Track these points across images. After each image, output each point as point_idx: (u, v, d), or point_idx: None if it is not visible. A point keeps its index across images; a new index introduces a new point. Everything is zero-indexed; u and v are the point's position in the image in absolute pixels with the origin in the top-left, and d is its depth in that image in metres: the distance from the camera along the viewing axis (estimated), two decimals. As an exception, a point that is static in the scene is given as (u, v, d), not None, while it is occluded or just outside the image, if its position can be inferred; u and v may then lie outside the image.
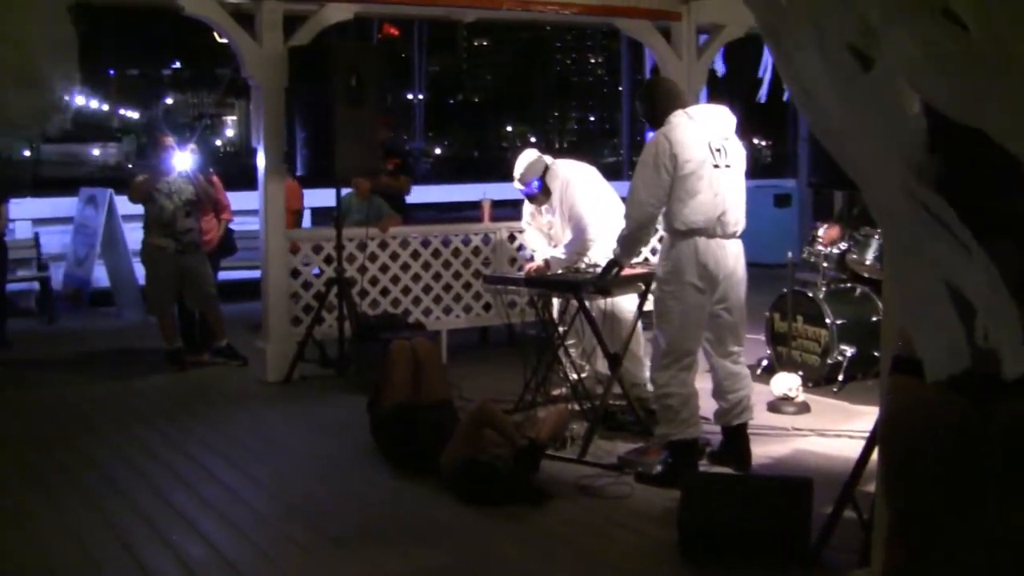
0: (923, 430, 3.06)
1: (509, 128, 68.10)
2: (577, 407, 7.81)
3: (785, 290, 9.20)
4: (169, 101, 60.24)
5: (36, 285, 13.63)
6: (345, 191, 10.22)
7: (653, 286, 6.78)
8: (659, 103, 6.72)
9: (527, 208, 8.77)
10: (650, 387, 7.35)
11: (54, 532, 5.97)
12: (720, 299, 6.60)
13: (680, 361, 6.58)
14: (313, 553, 5.64)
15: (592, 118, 75.30)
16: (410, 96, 49.87)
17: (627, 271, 7.43)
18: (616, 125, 49.33)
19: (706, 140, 6.51)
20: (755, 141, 49.08)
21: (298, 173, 9.48)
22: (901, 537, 3.24)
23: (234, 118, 63.47)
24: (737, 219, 6.62)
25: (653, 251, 10.77)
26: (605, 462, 6.92)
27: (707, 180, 6.47)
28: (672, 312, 6.54)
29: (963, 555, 3.20)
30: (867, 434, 5.29)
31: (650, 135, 6.87)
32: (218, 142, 59.74)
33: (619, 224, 7.78)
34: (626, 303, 7.89)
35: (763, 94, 10.69)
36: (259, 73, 9.46)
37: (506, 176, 8.61)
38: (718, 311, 6.63)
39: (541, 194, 8.34)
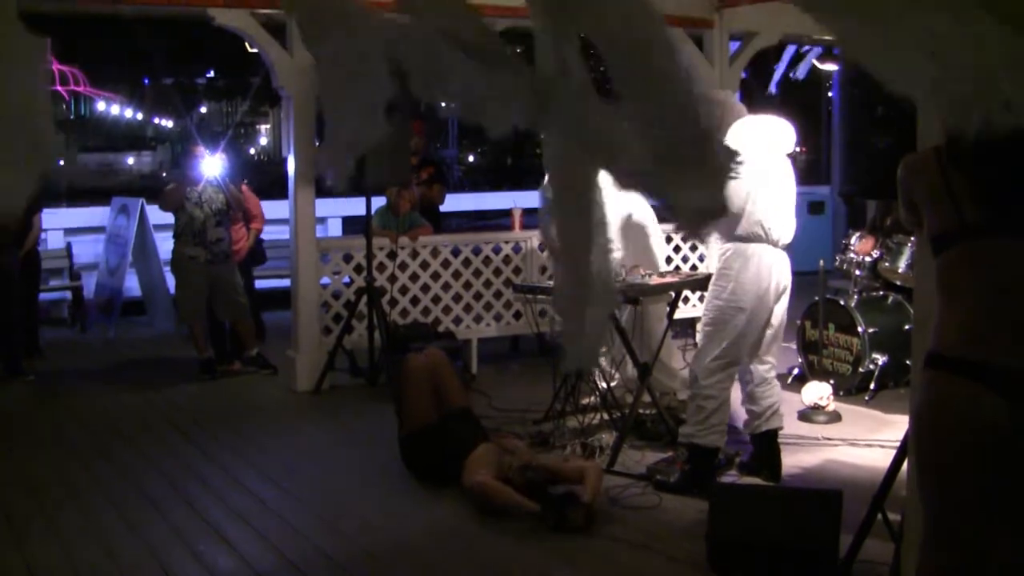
0: (955, 425, 3.10)
1: (543, 135, 67.99)
2: (607, 416, 7.78)
3: (817, 298, 9.14)
4: (203, 110, 60.44)
5: (68, 294, 13.71)
6: (377, 201, 10.20)
7: (710, 294, 6.68)
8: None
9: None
10: (681, 394, 7.33)
11: (84, 540, 6.00)
12: (775, 309, 6.61)
13: (729, 368, 6.55)
14: (345, 567, 5.63)
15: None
16: (443, 104, 49.94)
17: (657, 279, 7.42)
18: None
19: (776, 147, 6.50)
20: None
21: (328, 183, 9.47)
22: (935, 538, 3.23)
23: (268, 126, 63.67)
24: (790, 230, 6.60)
25: (684, 259, 10.76)
26: (635, 472, 6.89)
27: (774, 188, 6.46)
28: (734, 322, 6.46)
29: (1000, 553, 3.18)
30: (897, 443, 5.23)
31: None
32: (252, 151, 59.93)
33: (651, 231, 7.77)
34: (656, 312, 7.87)
35: (773, 85, 10.65)
36: (290, 83, 9.47)
37: (539, 184, 8.58)
38: (771, 319, 6.62)
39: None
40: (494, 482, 6.36)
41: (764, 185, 6.38)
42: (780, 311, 6.65)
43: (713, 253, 8.37)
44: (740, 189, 6.28)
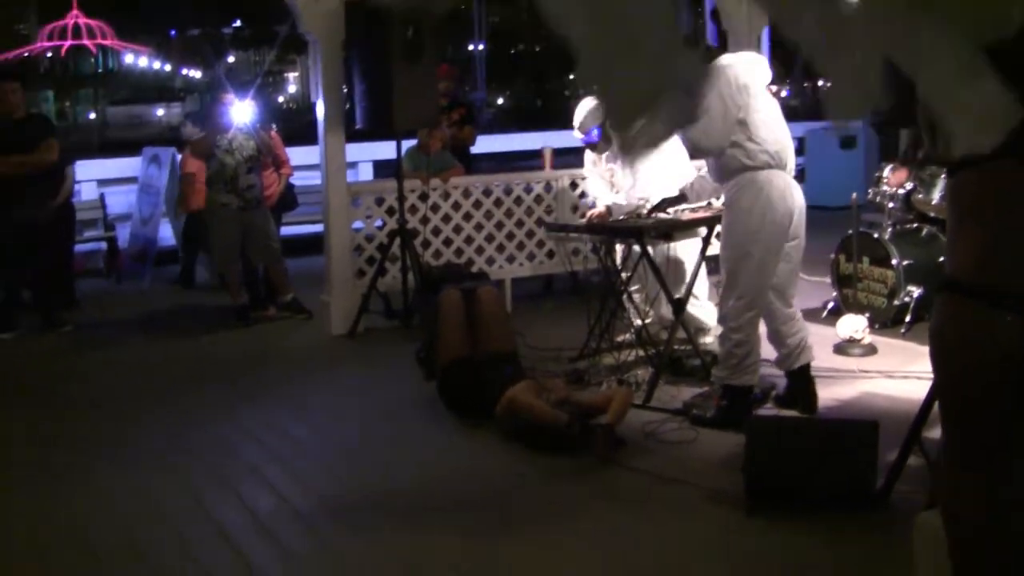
0: (971, 344, 3.05)
1: (571, 77, 67.79)
2: (642, 353, 7.78)
3: (851, 231, 9.09)
4: (231, 60, 60.40)
5: (103, 245, 13.80)
6: (407, 144, 10.19)
7: (723, 232, 6.65)
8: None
9: (588, 156, 8.74)
10: (715, 330, 7.32)
11: (126, 490, 6.04)
12: (792, 236, 6.50)
13: (754, 307, 6.50)
14: (382, 505, 5.67)
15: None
16: (471, 47, 49.81)
17: (689, 215, 7.39)
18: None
19: (758, 78, 6.46)
20: (820, 83, 48.61)
21: (357, 126, 9.49)
22: (955, 458, 3.23)
23: (296, 74, 63.63)
24: (793, 155, 6.56)
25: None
26: (671, 407, 6.90)
27: (771, 113, 6.42)
28: (753, 254, 6.34)
29: (1017, 475, 3.16)
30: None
31: None
32: (280, 99, 59.91)
33: (682, 168, 7.73)
34: (689, 248, 7.84)
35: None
36: (316, 28, 9.44)
37: (568, 125, 8.56)
38: (788, 248, 6.50)
39: (602, 142, 8.31)
40: (524, 396, 6.47)
41: (756, 111, 6.33)
42: (797, 241, 6.59)
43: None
44: (728, 118, 6.27)
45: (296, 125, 28.59)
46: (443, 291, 7.73)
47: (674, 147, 7.95)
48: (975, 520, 3.21)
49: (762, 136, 6.32)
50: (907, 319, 8.76)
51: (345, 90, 9.71)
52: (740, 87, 6.28)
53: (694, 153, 6.76)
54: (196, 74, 57.73)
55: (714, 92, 6.29)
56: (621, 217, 7.93)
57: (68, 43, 20.33)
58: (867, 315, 8.58)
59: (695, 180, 7.31)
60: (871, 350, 8.22)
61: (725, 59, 6.51)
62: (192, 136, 11.37)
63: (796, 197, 6.50)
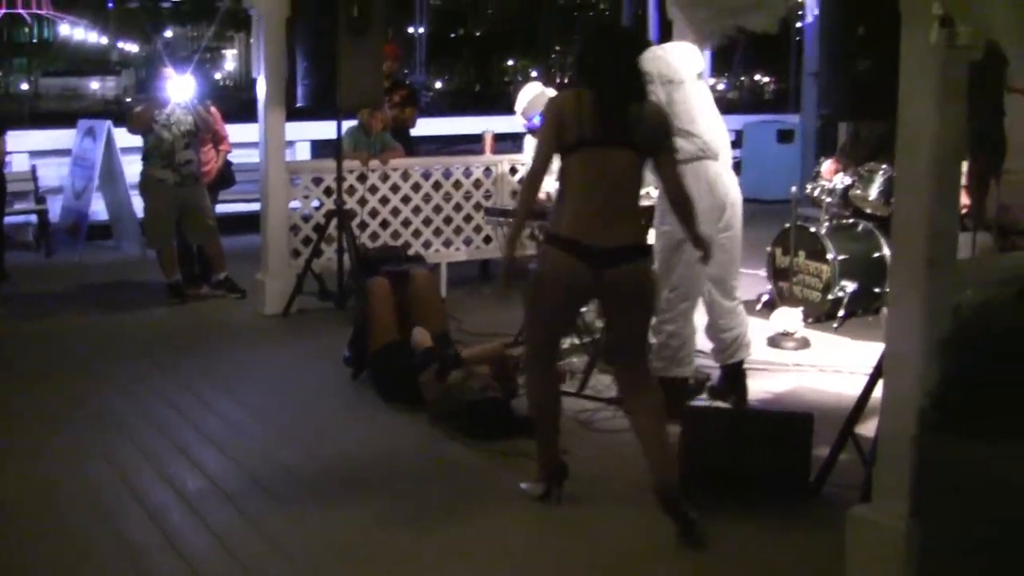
0: (557, 280, 5.01)
1: (511, 62, 67.72)
2: (577, 341, 7.78)
3: (787, 225, 9.14)
4: (169, 34, 59.81)
5: (34, 218, 13.55)
6: (347, 124, 10.12)
7: (656, 219, 6.66)
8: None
9: (530, 142, 8.72)
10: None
11: (55, 464, 5.98)
12: (725, 227, 6.50)
13: (688, 299, 6.50)
14: (313, 487, 5.64)
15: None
16: (411, 30, 49.65)
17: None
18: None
19: (687, 69, 6.46)
20: (756, 77, 48.96)
21: (299, 104, 9.40)
22: (535, 353, 5.36)
23: (234, 51, 63.13)
24: (727, 145, 6.57)
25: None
26: (604, 396, 6.89)
27: (701, 103, 6.42)
28: (683, 246, 6.13)
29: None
30: (868, 371, 5.26)
31: None
32: (217, 75, 59.40)
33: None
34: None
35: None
36: (261, 3, 9.36)
37: (508, 110, 8.53)
38: (722, 240, 6.44)
39: (543, 128, 8.28)
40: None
41: (683, 102, 6.33)
42: (737, 229, 6.61)
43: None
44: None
45: (234, 102, 28.32)
46: (371, 279, 7.68)
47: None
48: (538, 400, 5.35)
49: (694, 128, 6.32)
50: (840, 314, 8.83)
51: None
52: (663, 82, 6.26)
53: None
54: (133, 48, 57.14)
55: None
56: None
57: (2, 11, 19.99)
58: (801, 308, 8.63)
59: None
60: (804, 343, 8.28)
61: (653, 51, 6.48)
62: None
63: (729, 188, 6.50)
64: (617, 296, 5.04)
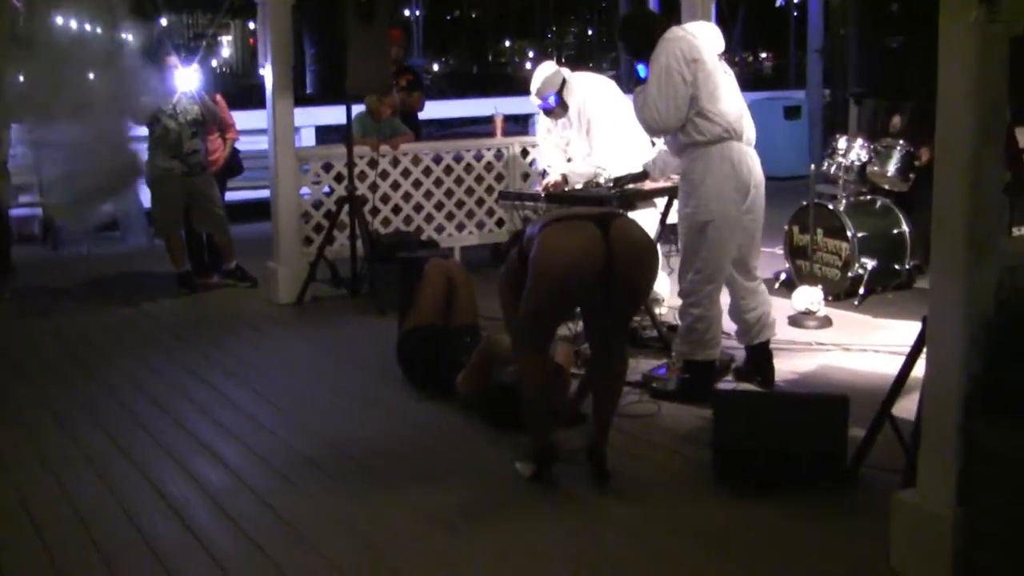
0: (572, 250, 5.03)
1: (508, 43, 67.55)
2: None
3: (805, 203, 9.05)
4: (164, 22, 59.65)
5: (39, 211, 13.46)
6: (356, 110, 10.03)
7: (679, 205, 6.57)
8: (647, 31, 6.48)
9: (543, 123, 8.62)
10: (668, 301, 7.25)
11: (73, 463, 5.86)
12: (748, 209, 6.42)
13: (713, 280, 6.41)
14: (338, 478, 5.54)
15: (591, 31, 74.51)
16: (408, 13, 49.48)
17: (650, 184, 7.31)
18: (615, 38, 48.84)
19: (709, 49, 6.37)
20: (759, 54, 48.83)
21: (308, 91, 9.32)
22: (528, 344, 5.27)
23: (230, 38, 62.95)
24: (751, 125, 6.48)
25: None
26: (630, 380, 6.79)
27: (724, 84, 6.34)
28: (708, 228, 6.25)
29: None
30: (894, 349, 5.16)
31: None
32: (214, 63, 59.21)
33: (639, 137, 7.63)
34: (646, 218, 7.74)
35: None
36: (266, -11, 9.27)
37: (505, 91, 8.43)
38: (745, 221, 6.40)
39: (558, 108, 8.18)
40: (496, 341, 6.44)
41: (707, 83, 6.24)
42: (760, 211, 6.53)
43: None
44: (679, 95, 6.18)
45: (231, 89, 28.21)
46: (430, 262, 7.56)
47: (630, 117, 7.87)
48: (537, 383, 5.28)
49: (717, 108, 6.25)
50: (861, 291, 8.74)
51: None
52: (688, 61, 6.18)
53: (652, 132, 6.69)
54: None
55: (660, 68, 6.20)
56: (578, 186, 7.85)
57: (-1, 2, 19.88)
58: (821, 287, 8.53)
59: (658, 155, 7.20)
60: (826, 322, 8.19)
61: (674, 31, 6.39)
62: None
63: (753, 169, 6.42)
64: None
